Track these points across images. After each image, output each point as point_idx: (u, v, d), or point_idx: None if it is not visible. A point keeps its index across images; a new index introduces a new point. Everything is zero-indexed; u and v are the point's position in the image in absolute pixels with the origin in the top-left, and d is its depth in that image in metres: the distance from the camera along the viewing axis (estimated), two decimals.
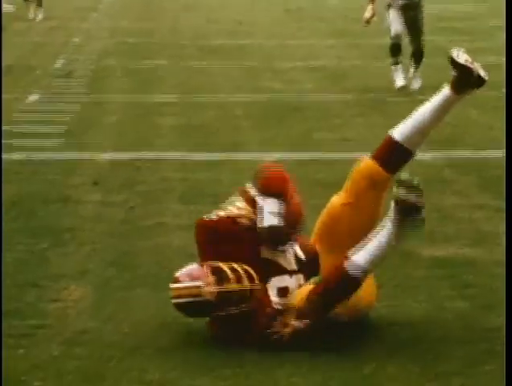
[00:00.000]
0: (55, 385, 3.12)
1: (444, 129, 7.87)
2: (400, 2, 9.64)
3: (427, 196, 5.79)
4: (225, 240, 3.40)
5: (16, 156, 6.92)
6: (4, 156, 6.88)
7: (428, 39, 10.31)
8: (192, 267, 3.41)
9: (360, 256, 3.37)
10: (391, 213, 3.46)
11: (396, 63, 9.76)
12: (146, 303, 3.91)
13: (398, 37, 9.68)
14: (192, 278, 3.34)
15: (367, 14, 9.79)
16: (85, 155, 7.03)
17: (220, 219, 3.40)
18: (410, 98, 9.16)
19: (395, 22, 9.68)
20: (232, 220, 3.40)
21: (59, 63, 12.25)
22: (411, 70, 9.94)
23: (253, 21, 17.26)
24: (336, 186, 6.03)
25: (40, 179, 6.28)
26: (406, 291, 4.20)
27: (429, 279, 4.40)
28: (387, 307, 3.96)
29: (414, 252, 4.82)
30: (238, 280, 3.33)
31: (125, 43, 14.04)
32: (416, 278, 4.41)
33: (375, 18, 9.85)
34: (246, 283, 3.33)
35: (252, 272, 3.37)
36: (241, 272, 3.34)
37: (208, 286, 3.31)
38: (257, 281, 3.36)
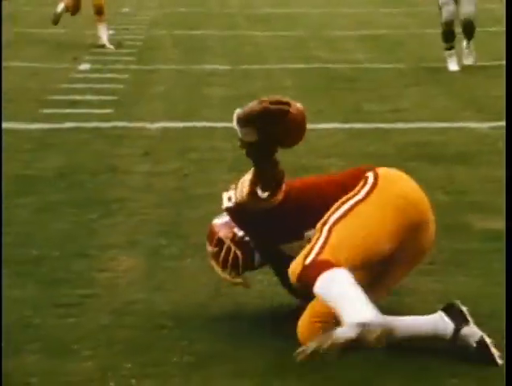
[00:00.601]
0: (106, 354, 3.12)
1: (500, 100, 7.75)
2: None
3: (482, 167, 5.77)
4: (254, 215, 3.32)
5: (67, 125, 6.93)
6: (55, 125, 6.91)
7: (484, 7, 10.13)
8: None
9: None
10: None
11: (449, 49, 9.31)
12: (196, 273, 3.88)
13: (449, 23, 9.18)
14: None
15: None
16: (135, 125, 7.03)
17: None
18: (466, 67, 9.00)
19: (446, 5, 9.18)
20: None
21: (109, 33, 12.26)
22: (464, 44, 9.48)
23: None
24: (388, 158, 5.99)
25: (89, 149, 6.29)
26: (458, 265, 4.13)
27: (482, 252, 4.32)
28: (438, 282, 3.90)
29: (466, 224, 4.74)
30: (222, 264, 3.40)
31: (174, 13, 14.01)
32: (468, 251, 4.34)
33: None
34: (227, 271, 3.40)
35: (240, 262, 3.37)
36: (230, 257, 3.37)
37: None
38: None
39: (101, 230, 4.63)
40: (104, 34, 11.00)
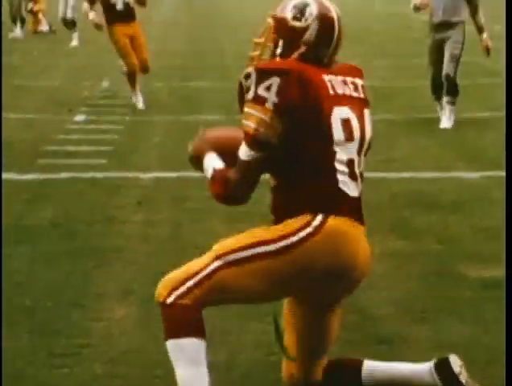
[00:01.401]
0: None
1: (491, 150, 7.83)
2: (435, 20, 9.02)
3: (475, 216, 5.81)
4: None
5: (62, 175, 6.98)
6: (50, 176, 6.96)
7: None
8: None
9: None
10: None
11: (439, 100, 9.17)
12: None
13: (434, 80, 9.07)
14: None
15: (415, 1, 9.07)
16: (130, 175, 7.07)
17: None
18: (457, 118, 9.08)
19: (433, 63, 9.05)
20: None
21: (105, 84, 12.37)
22: (444, 101, 9.09)
23: None
24: (381, 207, 6.03)
25: (85, 199, 6.32)
26: (451, 313, 4.14)
27: (476, 301, 4.33)
28: (431, 330, 3.91)
29: (459, 272, 4.77)
30: None
31: (171, 65, 14.13)
32: (461, 300, 4.35)
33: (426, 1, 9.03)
34: None
35: None
36: None
37: None
38: None
39: (95, 279, 4.65)
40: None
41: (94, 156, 7.71)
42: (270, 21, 3.04)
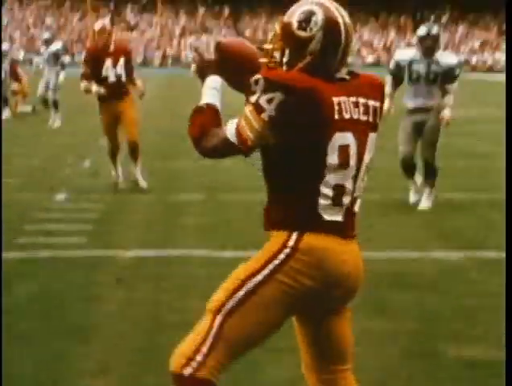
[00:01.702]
0: None
1: (468, 230, 7.90)
2: (410, 106, 8.99)
3: (453, 296, 5.84)
4: None
5: (42, 254, 6.97)
6: (30, 254, 6.95)
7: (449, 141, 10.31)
8: None
9: None
10: None
11: (410, 177, 9.17)
12: None
13: (404, 161, 9.02)
14: None
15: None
16: (110, 253, 7.07)
17: None
18: (434, 198, 9.16)
19: (403, 144, 9.00)
20: None
21: (86, 164, 12.44)
22: (422, 184, 9.14)
23: None
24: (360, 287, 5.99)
25: (64, 277, 6.31)
26: None
27: (456, 380, 4.33)
28: None
29: (438, 351, 4.77)
30: None
31: (151, 144, 14.24)
32: (442, 379, 4.35)
33: (392, 110, 8.95)
34: None
35: None
36: None
37: None
38: None
39: (73, 358, 4.61)
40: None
41: (74, 234, 7.71)
42: (278, 28, 3.02)
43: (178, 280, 6.23)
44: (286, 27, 2.99)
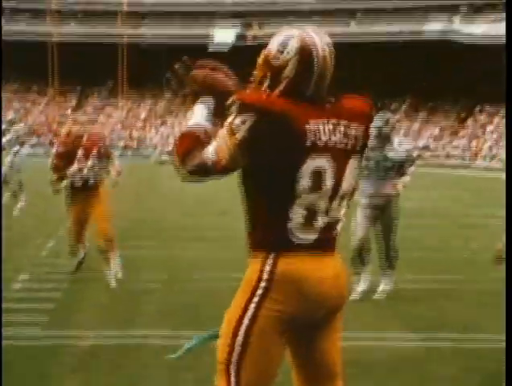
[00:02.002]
0: None
1: (425, 319, 7.96)
2: (364, 202, 8.78)
3: (412, 382, 5.87)
4: None
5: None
6: None
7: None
8: None
9: None
10: None
11: (357, 273, 8.87)
12: None
13: (357, 249, 8.81)
14: None
15: None
16: (71, 334, 7.05)
17: None
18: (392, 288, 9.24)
19: (359, 228, 8.79)
20: None
21: (50, 244, 12.42)
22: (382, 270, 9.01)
23: (238, 210, 17.54)
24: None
25: (21, 362, 6.26)
26: None
27: None
28: None
29: None
30: None
31: (116, 228, 14.25)
32: None
33: None
34: None
35: None
36: None
37: None
38: None
39: None
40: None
41: (35, 314, 7.69)
42: (261, 56, 3.17)
43: (136, 366, 6.21)
44: (265, 55, 3.14)
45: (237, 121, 2.96)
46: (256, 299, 3.06)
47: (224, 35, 67.21)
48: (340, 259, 3.22)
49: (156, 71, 66.70)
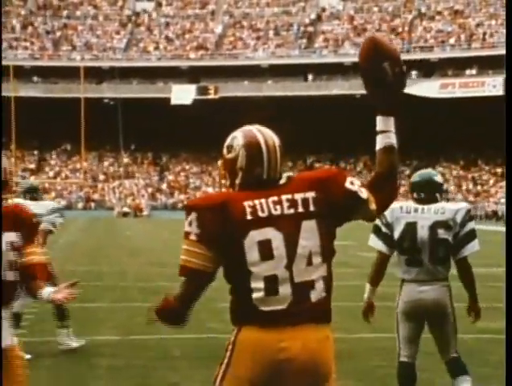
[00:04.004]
0: None
1: (380, 370, 7.99)
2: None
3: None
4: None
5: None
6: None
7: None
8: None
9: None
10: None
11: None
12: None
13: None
14: None
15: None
16: None
17: None
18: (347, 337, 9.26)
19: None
20: None
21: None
22: None
23: None
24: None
25: None
26: None
27: None
28: None
29: None
30: None
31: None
32: None
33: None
34: None
35: None
36: None
37: None
38: None
39: None
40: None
41: None
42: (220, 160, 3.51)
43: None
44: (222, 154, 3.47)
45: (187, 225, 3.29)
46: (225, 361, 3.29)
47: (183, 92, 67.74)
48: (326, 333, 3.29)
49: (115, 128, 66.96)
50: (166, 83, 68.82)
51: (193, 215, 3.26)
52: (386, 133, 3.38)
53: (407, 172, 67.06)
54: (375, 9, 71.32)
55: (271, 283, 3.21)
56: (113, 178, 69.33)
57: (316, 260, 3.26)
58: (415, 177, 6.06)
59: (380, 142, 3.39)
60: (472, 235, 5.83)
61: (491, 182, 65.52)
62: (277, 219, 3.26)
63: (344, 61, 64.25)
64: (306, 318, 3.23)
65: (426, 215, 5.81)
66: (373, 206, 3.33)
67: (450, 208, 5.85)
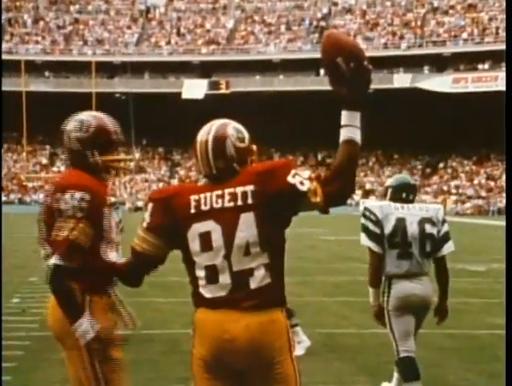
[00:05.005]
0: None
1: (389, 365, 7.98)
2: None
3: None
4: None
5: None
6: None
7: None
8: None
9: None
10: None
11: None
12: None
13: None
14: None
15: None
16: None
17: None
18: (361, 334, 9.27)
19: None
20: None
21: (14, 301, 12.34)
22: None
23: None
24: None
25: None
26: None
27: None
28: None
29: None
30: None
31: None
32: None
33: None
34: None
35: None
36: None
37: None
38: None
39: None
40: None
41: None
42: None
43: None
44: None
45: (145, 213, 3.60)
46: (192, 349, 3.55)
47: (194, 87, 67.68)
48: (272, 316, 3.44)
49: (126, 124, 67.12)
50: (177, 77, 68.87)
51: (149, 205, 3.58)
52: (348, 127, 3.45)
53: (419, 167, 66.99)
54: (388, 3, 71.14)
55: (212, 272, 3.44)
56: (124, 172, 69.41)
57: (255, 249, 3.41)
58: (401, 179, 6.45)
59: (341, 136, 3.46)
60: (448, 235, 6.14)
61: (504, 177, 65.32)
62: (217, 213, 3.46)
63: None
64: (247, 303, 3.41)
65: (413, 212, 6.11)
66: (316, 199, 3.36)
67: (432, 207, 6.25)
